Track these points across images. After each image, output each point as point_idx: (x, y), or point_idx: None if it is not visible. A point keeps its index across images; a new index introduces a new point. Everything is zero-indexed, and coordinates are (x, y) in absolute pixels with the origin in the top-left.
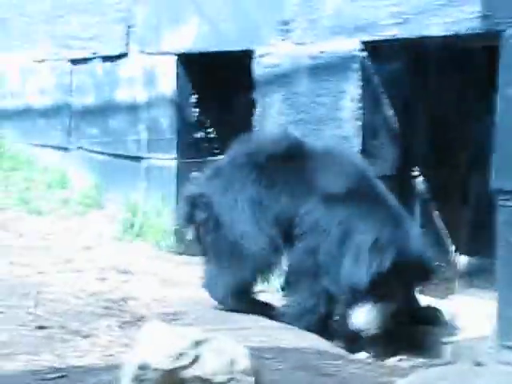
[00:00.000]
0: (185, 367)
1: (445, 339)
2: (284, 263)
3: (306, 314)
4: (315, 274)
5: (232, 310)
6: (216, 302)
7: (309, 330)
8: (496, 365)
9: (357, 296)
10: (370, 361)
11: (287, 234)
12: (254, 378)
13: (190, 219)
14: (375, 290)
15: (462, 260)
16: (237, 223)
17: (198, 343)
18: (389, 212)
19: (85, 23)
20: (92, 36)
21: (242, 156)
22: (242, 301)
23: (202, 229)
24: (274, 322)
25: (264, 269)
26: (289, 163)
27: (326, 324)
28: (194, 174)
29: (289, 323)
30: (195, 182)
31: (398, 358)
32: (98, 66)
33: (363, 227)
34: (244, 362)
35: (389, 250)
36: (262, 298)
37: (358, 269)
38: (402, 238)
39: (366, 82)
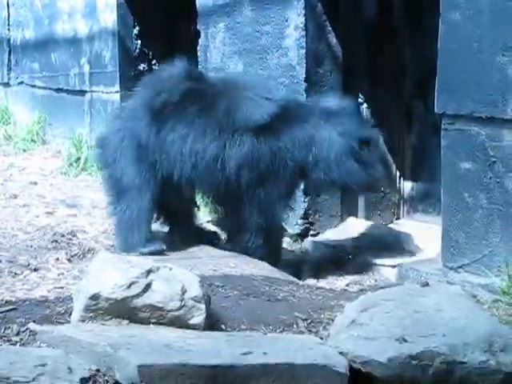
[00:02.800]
0: (136, 296)
1: (391, 262)
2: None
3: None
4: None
5: (181, 240)
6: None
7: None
8: (441, 285)
9: None
10: (318, 286)
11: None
12: (204, 305)
13: (99, 161)
14: None
15: (407, 185)
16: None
17: (148, 272)
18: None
19: None
20: None
21: (142, 98)
22: (185, 230)
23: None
24: (224, 251)
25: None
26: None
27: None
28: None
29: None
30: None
31: (347, 282)
32: None
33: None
34: (195, 290)
35: None
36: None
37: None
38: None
39: (310, 9)
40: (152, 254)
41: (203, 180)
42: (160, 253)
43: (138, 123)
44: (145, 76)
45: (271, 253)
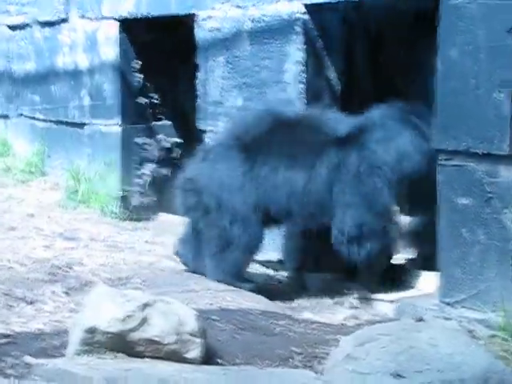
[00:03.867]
0: (133, 330)
1: (389, 297)
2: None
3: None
4: None
5: (178, 274)
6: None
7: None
8: (438, 320)
9: None
10: (314, 320)
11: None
12: (200, 339)
13: (185, 206)
14: None
15: (405, 220)
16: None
17: (145, 306)
18: None
19: None
20: (30, 1)
21: (229, 138)
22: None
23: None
24: (221, 284)
25: (254, 251)
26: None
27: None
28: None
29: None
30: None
31: (344, 316)
32: (37, 32)
33: None
34: (191, 324)
35: None
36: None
37: None
38: None
39: (309, 44)
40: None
41: (299, 208)
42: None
43: (230, 164)
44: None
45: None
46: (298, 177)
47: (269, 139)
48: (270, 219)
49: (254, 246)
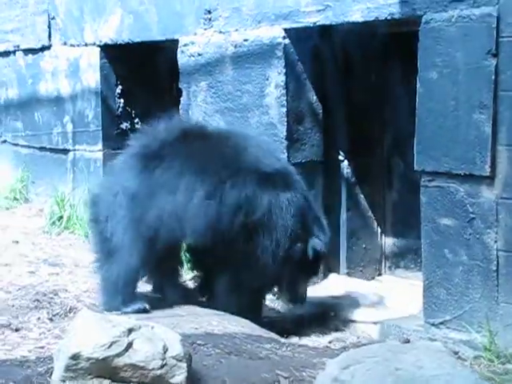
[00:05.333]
0: (118, 355)
1: (374, 319)
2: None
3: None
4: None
5: (162, 299)
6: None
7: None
8: (423, 341)
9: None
10: (300, 343)
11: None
12: (186, 364)
13: (93, 219)
14: None
15: (388, 241)
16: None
17: (130, 331)
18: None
19: (5, 16)
20: (13, 29)
21: (132, 151)
22: (170, 287)
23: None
24: (205, 308)
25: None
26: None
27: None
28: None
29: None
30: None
31: (329, 339)
32: (20, 59)
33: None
34: (176, 348)
35: None
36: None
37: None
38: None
39: (290, 68)
40: (135, 313)
41: (195, 220)
42: (143, 312)
43: (129, 174)
44: (133, 133)
45: (253, 310)
46: (198, 196)
47: (175, 150)
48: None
49: (134, 267)
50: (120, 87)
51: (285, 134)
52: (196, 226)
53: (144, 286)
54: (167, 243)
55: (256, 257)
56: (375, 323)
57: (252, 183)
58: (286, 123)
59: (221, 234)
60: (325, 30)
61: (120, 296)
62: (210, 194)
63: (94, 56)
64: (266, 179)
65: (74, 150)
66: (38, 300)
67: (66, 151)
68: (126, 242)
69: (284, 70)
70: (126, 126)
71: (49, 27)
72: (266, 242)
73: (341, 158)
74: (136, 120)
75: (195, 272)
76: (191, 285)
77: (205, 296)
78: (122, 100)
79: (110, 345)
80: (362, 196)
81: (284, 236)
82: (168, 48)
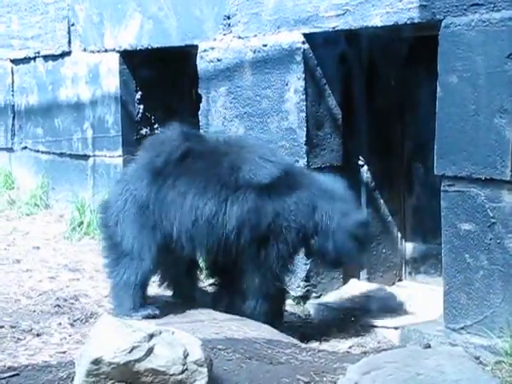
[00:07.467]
0: (138, 360)
1: (394, 324)
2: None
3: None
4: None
5: (184, 304)
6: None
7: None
8: (444, 346)
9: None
10: (320, 348)
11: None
12: (206, 369)
13: (101, 224)
14: None
15: (409, 247)
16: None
17: (151, 336)
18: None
19: (26, 22)
20: (33, 35)
21: (142, 160)
22: (188, 293)
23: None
24: (226, 314)
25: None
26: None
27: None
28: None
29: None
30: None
31: (349, 344)
32: (41, 66)
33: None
34: (197, 353)
35: None
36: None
37: None
38: None
39: (309, 73)
40: (145, 318)
41: (203, 238)
42: (153, 317)
43: (138, 184)
44: (146, 140)
45: (274, 316)
46: (207, 209)
47: (181, 164)
48: (172, 247)
49: (145, 272)
50: (140, 93)
51: (304, 139)
52: (204, 243)
53: (164, 292)
54: (179, 245)
55: (271, 262)
56: (396, 328)
57: (251, 197)
58: (305, 128)
59: (230, 249)
60: (345, 35)
61: (130, 301)
62: (214, 213)
63: (113, 62)
64: (267, 189)
65: (94, 155)
66: (58, 305)
67: (86, 157)
68: (136, 247)
69: (303, 75)
70: (146, 132)
71: (69, 33)
72: (279, 246)
73: (360, 162)
74: (156, 125)
75: (212, 279)
76: (209, 291)
77: (222, 303)
78: (141, 105)
79: (131, 350)
80: (381, 201)
81: (296, 237)
82: (187, 53)
